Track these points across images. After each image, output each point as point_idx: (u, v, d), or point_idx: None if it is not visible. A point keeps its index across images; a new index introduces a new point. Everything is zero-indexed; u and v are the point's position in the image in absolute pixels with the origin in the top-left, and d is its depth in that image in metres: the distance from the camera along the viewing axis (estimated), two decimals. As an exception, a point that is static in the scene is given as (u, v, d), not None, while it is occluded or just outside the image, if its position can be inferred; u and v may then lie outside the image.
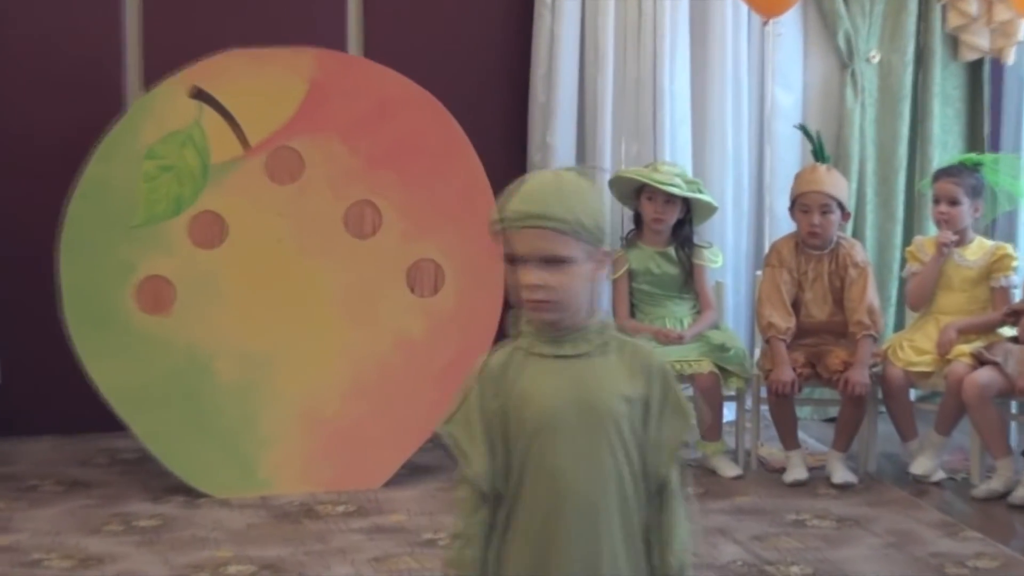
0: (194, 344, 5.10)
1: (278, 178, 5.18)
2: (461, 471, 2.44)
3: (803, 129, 5.76)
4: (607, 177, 5.55)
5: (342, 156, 5.20)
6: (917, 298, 5.46)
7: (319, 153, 5.19)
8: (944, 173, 5.41)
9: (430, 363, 5.16)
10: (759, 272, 5.66)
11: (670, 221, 5.45)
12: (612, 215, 5.53)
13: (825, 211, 5.33)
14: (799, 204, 5.40)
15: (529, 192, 2.39)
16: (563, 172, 2.44)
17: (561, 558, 2.39)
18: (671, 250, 5.52)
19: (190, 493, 5.10)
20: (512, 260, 2.38)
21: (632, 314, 5.58)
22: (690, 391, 5.27)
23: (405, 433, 5.18)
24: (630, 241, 5.57)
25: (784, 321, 5.27)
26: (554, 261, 2.37)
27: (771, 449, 5.67)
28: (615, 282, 5.44)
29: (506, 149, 5.94)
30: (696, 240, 5.55)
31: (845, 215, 5.46)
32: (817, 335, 5.43)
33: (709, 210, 5.53)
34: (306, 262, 5.19)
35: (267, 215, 5.17)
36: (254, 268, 5.15)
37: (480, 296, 5.13)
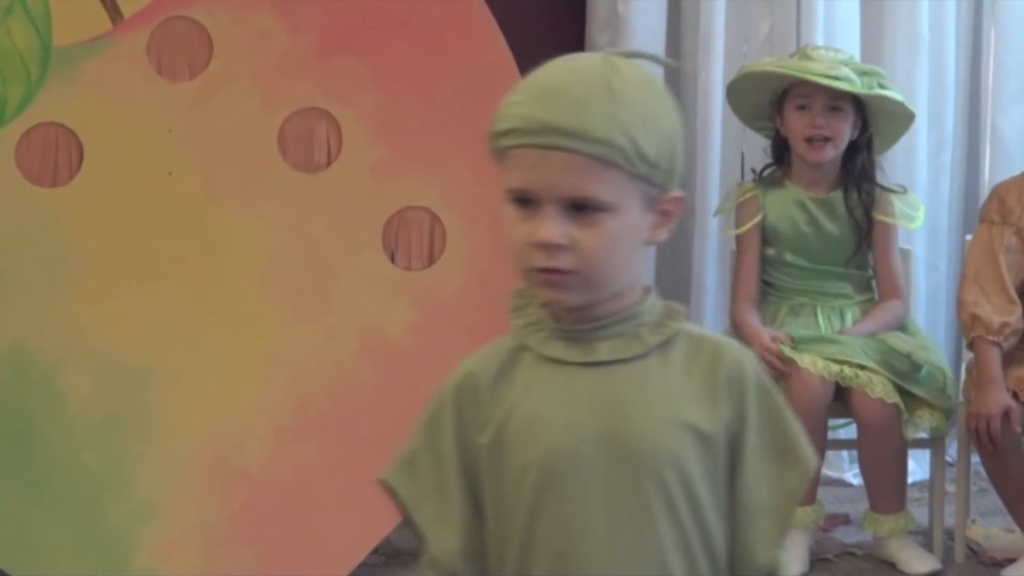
0: (22, 346, 4.48)
1: (169, 70, 4.55)
2: (424, 548, 2.08)
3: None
4: (713, 76, 5.01)
5: (276, 35, 4.52)
6: None
7: (237, 29, 4.53)
8: None
9: (421, 380, 4.34)
10: (971, 237, 4.78)
11: (840, 140, 4.43)
12: (726, 148, 5.02)
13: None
14: (1052, 115, 4.61)
15: (551, 87, 1.94)
16: (613, 58, 1.95)
17: None
18: (836, 198, 4.52)
19: (17, 594, 4.48)
20: (517, 200, 1.96)
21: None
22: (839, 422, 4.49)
23: (379, 497, 4.41)
24: (771, 177, 4.63)
25: (1000, 313, 4.47)
26: (587, 207, 1.94)
27: (989, 529, 4.88)
28: (739, 241, 4.51)
29: (554, 25, 5.38)
30: (881, 180, 4.50)
31: None
32: (1062, 338, 4.53)
33: (901, 121, 4.52)
34: (215, 211, 4.55)
35: (150, 132, 4.51)
36: (126, 221, 4.49)
37: (504, 270, 4.66)
